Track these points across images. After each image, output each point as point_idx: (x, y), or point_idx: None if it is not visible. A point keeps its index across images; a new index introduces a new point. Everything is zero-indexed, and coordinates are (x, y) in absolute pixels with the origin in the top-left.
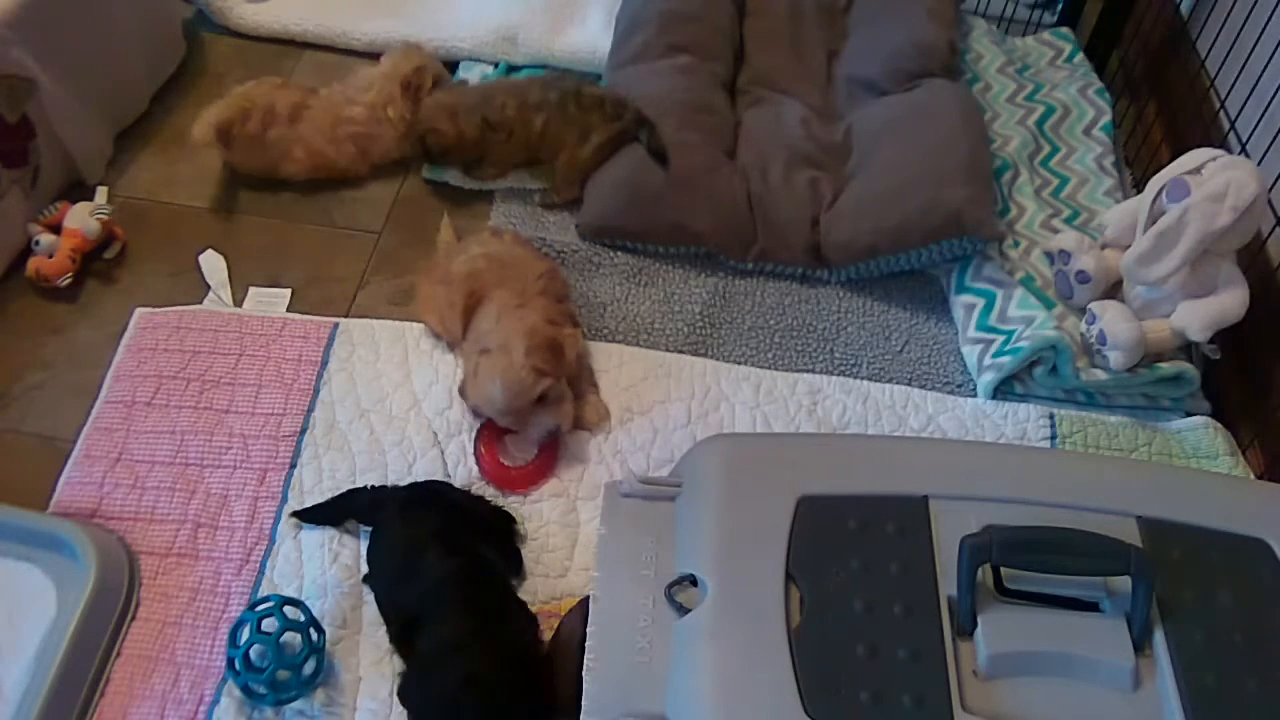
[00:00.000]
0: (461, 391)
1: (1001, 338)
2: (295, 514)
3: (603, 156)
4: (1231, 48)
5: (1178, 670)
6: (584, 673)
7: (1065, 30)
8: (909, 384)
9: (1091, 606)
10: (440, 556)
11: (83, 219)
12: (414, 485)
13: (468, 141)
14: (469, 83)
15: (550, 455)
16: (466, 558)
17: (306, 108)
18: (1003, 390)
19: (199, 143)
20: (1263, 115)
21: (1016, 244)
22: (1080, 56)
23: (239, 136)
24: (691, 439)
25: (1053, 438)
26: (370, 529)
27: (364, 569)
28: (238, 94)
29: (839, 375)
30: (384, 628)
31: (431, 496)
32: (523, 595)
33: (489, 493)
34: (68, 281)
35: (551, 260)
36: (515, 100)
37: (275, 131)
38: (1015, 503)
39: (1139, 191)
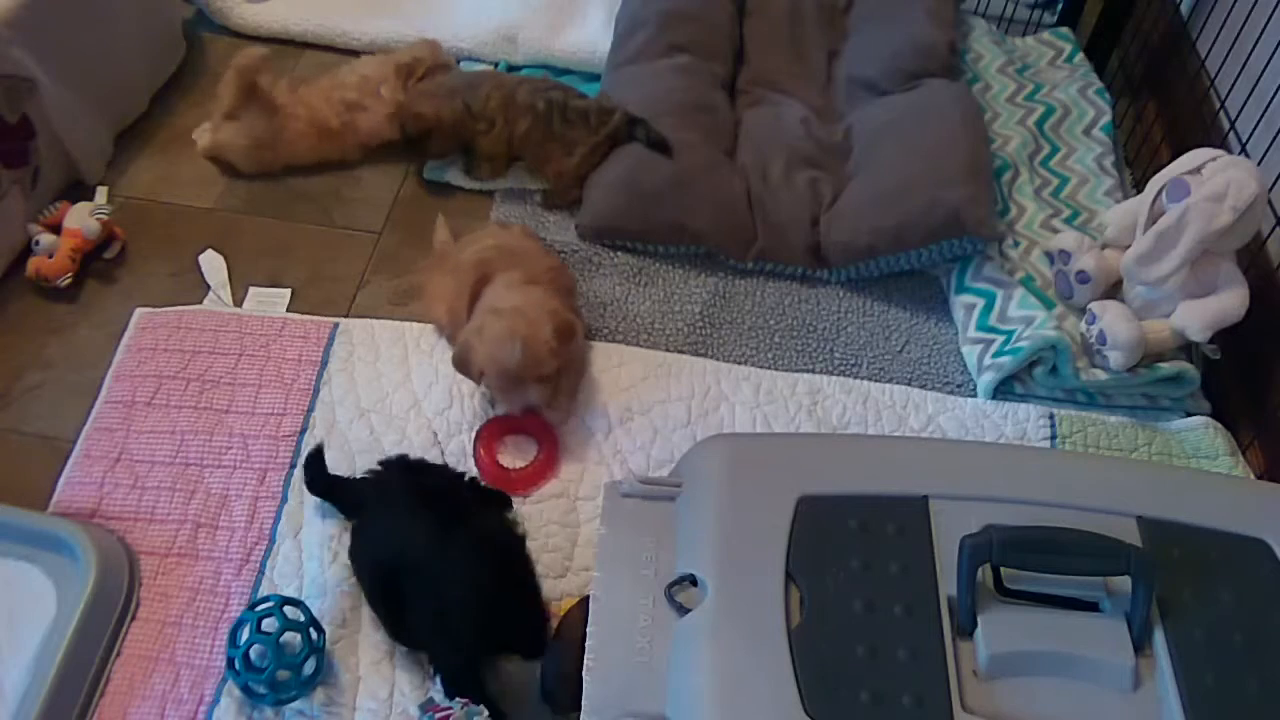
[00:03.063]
0: (461, 350)
1: (1001, 338)
2: (308, 462)
3: (594, 162)
4: (1231, 48)
5: (1178, 670)
6: (584, 673)
7: (1065, 30)
8: (909, 384)
9: (1091, 606)
10: (416, 510)
11: (83, 219)
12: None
13: (446, 126)
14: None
15: (550, 456)
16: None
17: (305, 82)
18: (1003, 390)
19: (227, 94)
20: (1263, 115)
21: (1016, 244)
22: (1080, 56)
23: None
24: (691, 439)
25: (1053, 438)
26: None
27: None
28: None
29: (839, 375)
30: (384, 628)
31: (403, 473)
32: None
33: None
34: (68, 281)
35: (559, 257)
36: (500, 94)
37: (280, 99)
38: (1015, 503)
39: (1139, 191)
